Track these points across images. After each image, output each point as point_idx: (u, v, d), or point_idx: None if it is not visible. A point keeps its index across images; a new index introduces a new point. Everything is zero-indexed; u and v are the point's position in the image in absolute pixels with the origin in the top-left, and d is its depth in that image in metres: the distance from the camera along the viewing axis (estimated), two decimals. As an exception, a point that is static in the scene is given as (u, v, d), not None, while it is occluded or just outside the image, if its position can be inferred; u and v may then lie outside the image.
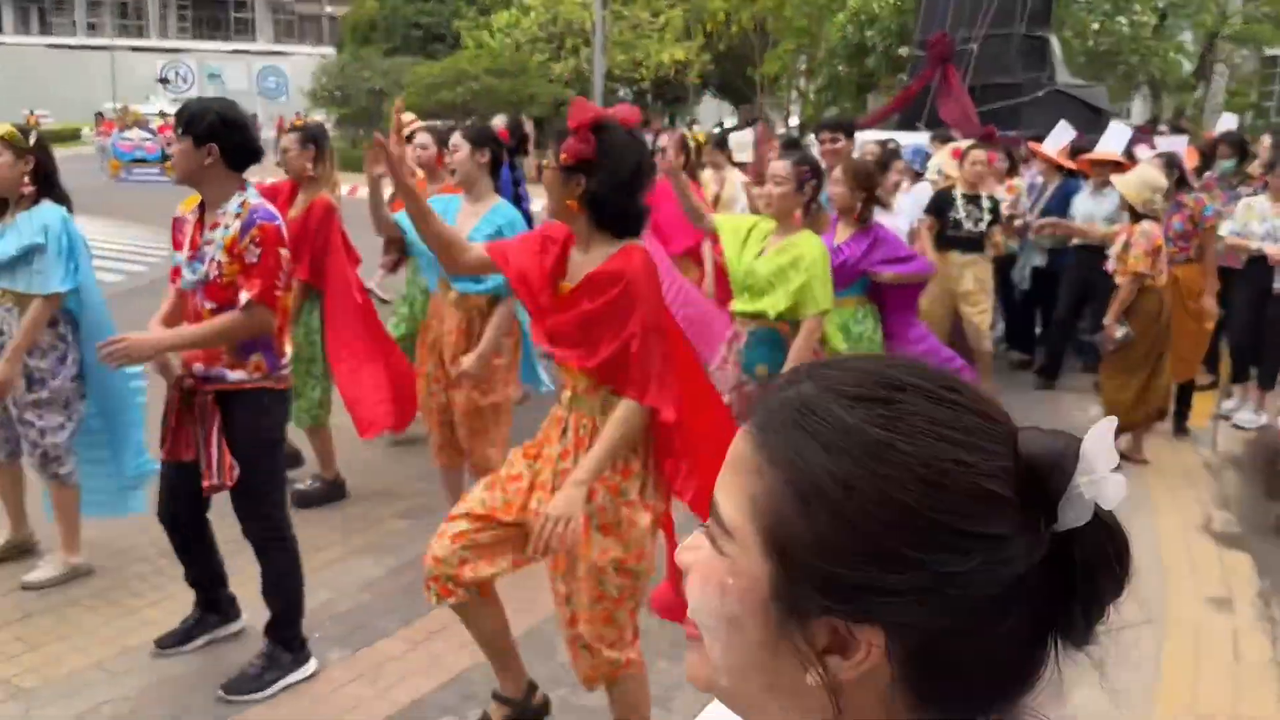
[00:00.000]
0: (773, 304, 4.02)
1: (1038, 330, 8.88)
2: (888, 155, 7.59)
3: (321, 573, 4.49)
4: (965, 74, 12.23)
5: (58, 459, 4.16)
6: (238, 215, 3.39)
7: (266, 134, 37.85)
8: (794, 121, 34.76)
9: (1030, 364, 8.67)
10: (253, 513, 3.58)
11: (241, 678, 3.58)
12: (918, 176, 8.53)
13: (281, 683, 3.61)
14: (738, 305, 4.18)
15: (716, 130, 28.35)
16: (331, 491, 5.37)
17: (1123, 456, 6.22)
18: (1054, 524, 0.70)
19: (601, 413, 2.84)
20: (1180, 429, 6.84)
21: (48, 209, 4.05)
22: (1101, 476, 0.71)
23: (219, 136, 3.38)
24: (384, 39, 35.28)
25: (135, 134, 26.87)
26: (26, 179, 4.04)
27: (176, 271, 3.53)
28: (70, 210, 4.13)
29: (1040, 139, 10.24)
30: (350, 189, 11.88)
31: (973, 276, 7.28)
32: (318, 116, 39.66)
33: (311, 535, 4.86)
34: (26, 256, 3.97)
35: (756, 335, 4.06)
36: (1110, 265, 6.24)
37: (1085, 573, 0.72)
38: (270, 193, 5.01)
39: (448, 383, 4.64)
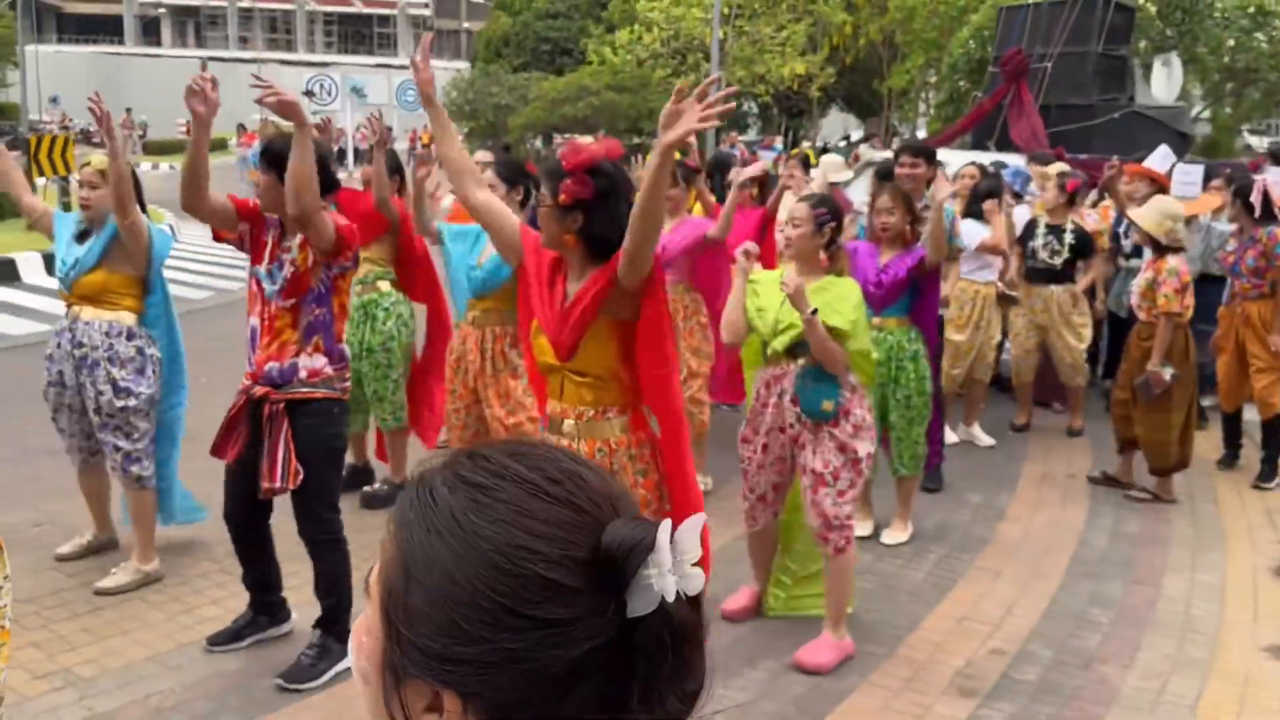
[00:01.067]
0: (835, 323, 3.97)
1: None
2: (992, 183, 7.44)
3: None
4: (1038, 93, 11.86)
5: (139, 461, 4.44)
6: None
7: (400, 146, 38.96)
8: (921, 135, 34.32)
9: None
10: (311, 515, 3.82)
11: (297, 668, 3.81)
12: (1017, 198, 8.38)
13: (333, 670, 3.84)
14: (777, 345, 4.10)
15: (842, 144, 28.08)
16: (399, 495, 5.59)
17: (1155, 497, 6.15)
18: (625, 610, 0.76)
19: (612, 435, 2.97)
20: (1267, 475, 6.50)
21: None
22: (668, 570, 0.75)
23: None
24: (515, 54, 36.11)
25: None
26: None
27: (244, 206, 3.83)
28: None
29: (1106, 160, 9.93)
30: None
31: (1057, 309, 7.11)
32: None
33: (374, 541, 5.10)
34: (110, 251, 4.32)
35: (809, 373, 4.03)
36: (1134, 301, 6.09)
37: (644, 656, 0.76)
38: (351, 197, 5.31)
39: (471, 400, 4.89)
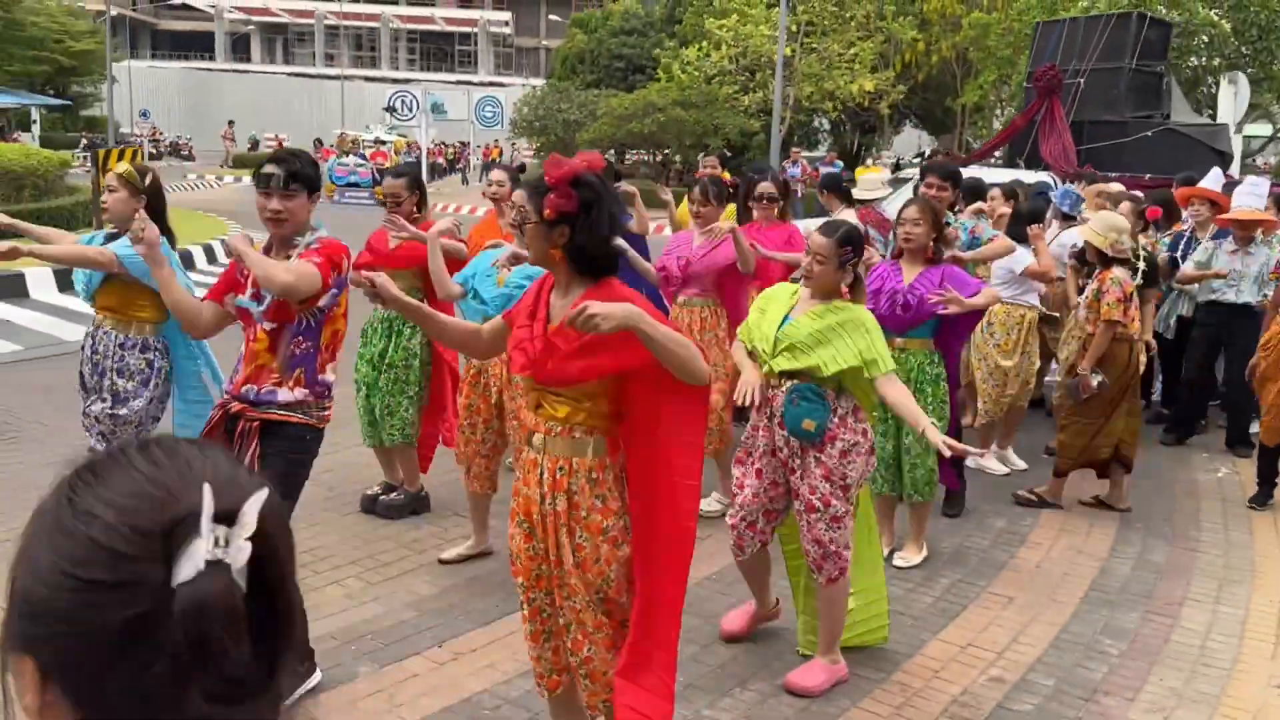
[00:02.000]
0: (831, 359, 3.89)
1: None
2: (1037, 204, 7.29)
3: (378, 588, 4.74)
4: (1070, 109, 11.54)
5: None
6: (309, 245, 3.63)
7: (476, 160, 39.46)
8: (998, 152, 33.84)
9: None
10: None
11: None
12: (1067, 220, 8.19)
13: (296, 694, 3.72)
14: (779, 365, 4.01)
15: (918, 159, 27.74)
16: (416, 505, 5.65)
17: (1103, 504, 6.13)
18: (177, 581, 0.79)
19: (575, 454, 2.93)
20: (1263, 499, 6.30)
21: None
22: (214, 542, 0.79)
23: (318, 185, 3.73)
24: (589, 71, 36.39)
25: (351, 160, 28.62)
26: (138, 215, 4.45)
27: (218, 295, 3.75)
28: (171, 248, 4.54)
29: (1141, 180, 9.66)
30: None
31: None
32: (521, 144, 41.27)
33: (382, 551, 5.16)
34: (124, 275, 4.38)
35: (798, 391, 3.94)
36: (1080, 314, 6.04)
37: (185, 624, 0.78)
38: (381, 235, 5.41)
39: (490, 415, 4.87)
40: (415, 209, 5.41)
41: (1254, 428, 7.44)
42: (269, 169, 3.59)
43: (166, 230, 4.56)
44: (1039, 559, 5.45)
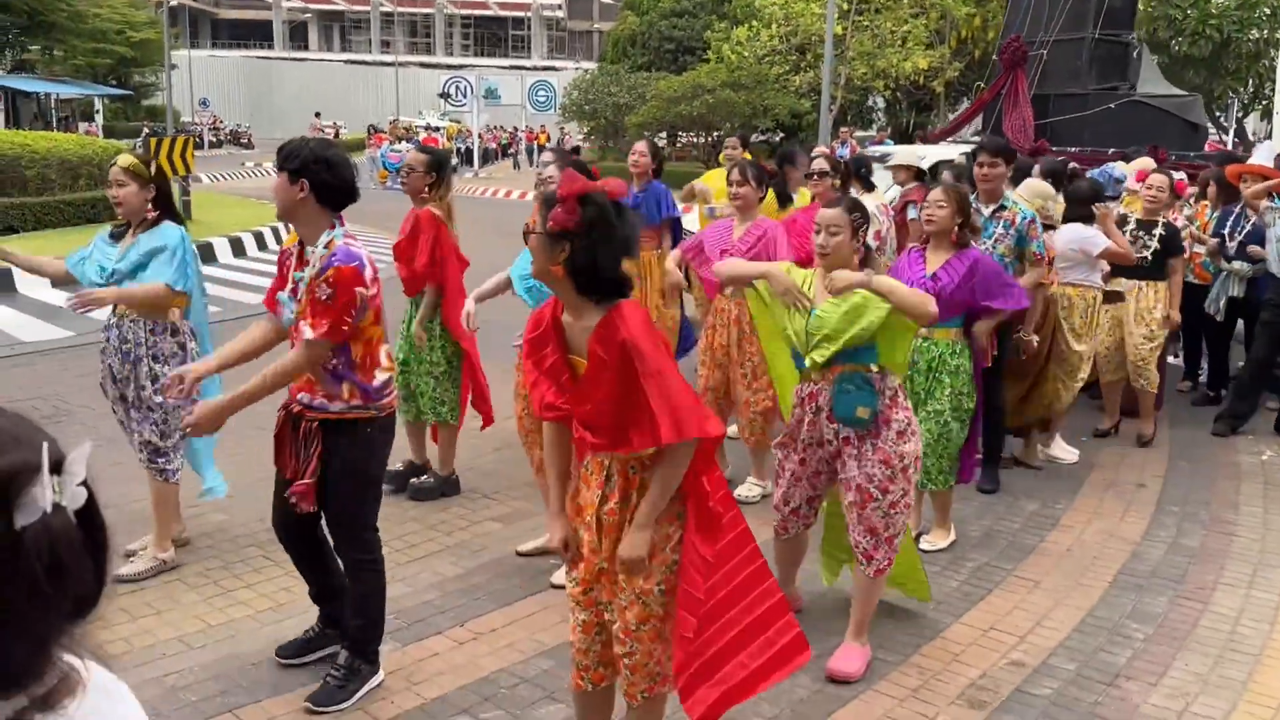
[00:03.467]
0: (874, 317, 3.81)
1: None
2: (1092, 184, 7.15)
3: (404, 568, 4.81)
4: (1033, 82, 11.04)
5: (165, 455, 4.63)
6: (322, 255, 3.52)
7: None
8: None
9: (1218, 399, 8.00)
10: (345, 537, 3.75)
11: (325, 690, 3.71)
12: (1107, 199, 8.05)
13: (361, 692, 3.75)
14: (818, 357, 3.94)
15: (976, 138, 27.32)
16: (446, 488, 5.73)
17: (1016, 462, 6.30)
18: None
19: (638, 455, 2.92)
20: None
21: (168, 227, 4.55)
22: (50, 489, 0.96)
23: (310, 173, 3.52)
24: (641, 53, 36.33)
25: (404, 146, 28.84)
26: (149, 205, 4.56)
27: (271, 301, 3.76)
28: (186, 230, 4.64)
29: (1103, 155, 9.24)
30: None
31: (1134, 308, 6.82)
32: (571, 128, 41.33)
33: (409, 532, 5.24)
34: (146, 265, 4.47)
35: (849, 379, 3.89)
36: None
37: (33, 560, 0.95)
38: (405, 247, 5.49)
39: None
40: (427, 189, 5.45)
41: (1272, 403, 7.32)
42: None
43: (180, 219, 4.67)
44: (1070, 542, 5.38)
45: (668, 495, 2.88)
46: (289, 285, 3.64)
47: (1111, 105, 10.80)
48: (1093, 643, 4.34)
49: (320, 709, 3.66)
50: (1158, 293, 6.88)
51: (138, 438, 4.63)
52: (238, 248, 15.28)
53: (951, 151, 9.75)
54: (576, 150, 10.54)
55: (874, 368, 3.92)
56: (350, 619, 3.81)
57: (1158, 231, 6.85)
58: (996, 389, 5.87)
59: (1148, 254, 6.81)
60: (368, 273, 3.54)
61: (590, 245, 2.80)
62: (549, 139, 38.85)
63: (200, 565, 4.79)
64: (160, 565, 4.70)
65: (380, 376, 3.67)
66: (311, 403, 3.61)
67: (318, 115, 45.48)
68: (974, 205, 5.74)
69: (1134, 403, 7.21)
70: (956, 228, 4.86)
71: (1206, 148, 13.07)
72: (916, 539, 5.25)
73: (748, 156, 7.08)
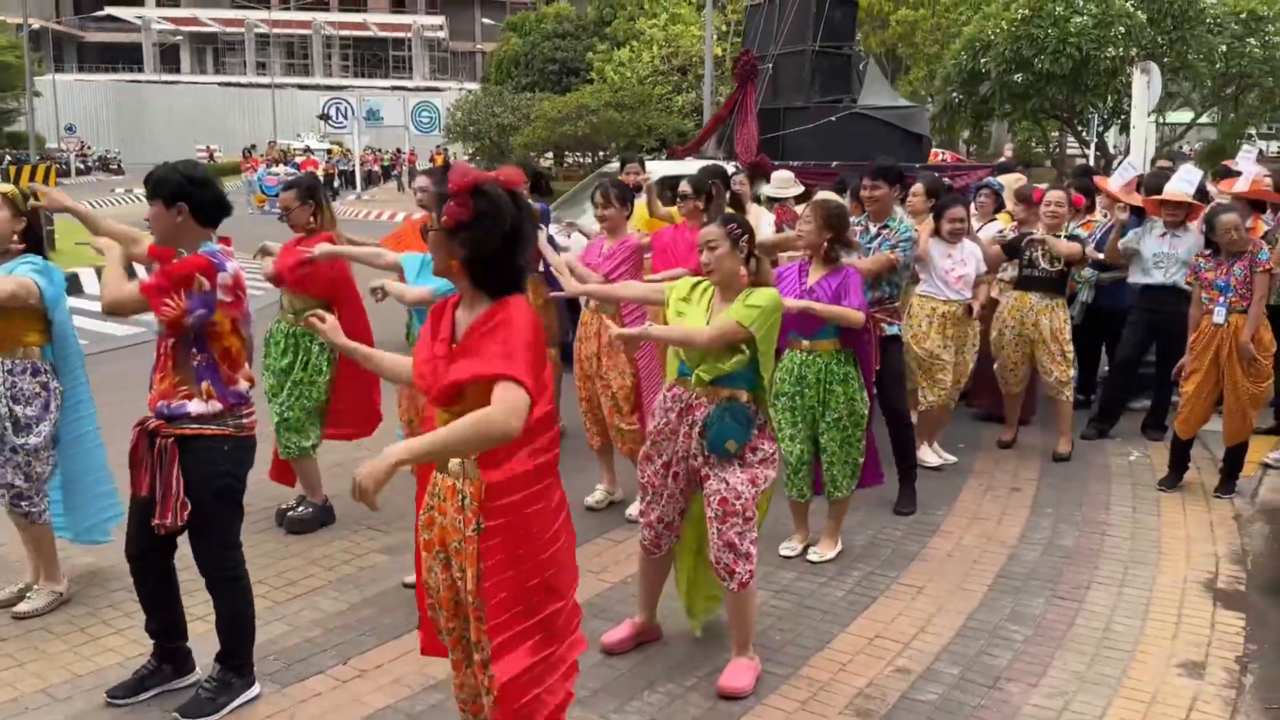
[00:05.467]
0: (729, 315, 3.88)
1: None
2: (946, 201, 7.32)
3: (284, 606, 4.67)
4: (760, 95, 11.10)
5: (29, 499, 4.41)
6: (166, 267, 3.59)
7: (424, 166, 39.18)
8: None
9: (1088, 404, 8.30)
10: (207, 553, 3.74)
11: (196, 702, 3.73)
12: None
13: (232, 705, 3.76)
14: (703, 374, 3.98)
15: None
16: (324, 516, 5.60)
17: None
18: None
19: (474, 474, 2.84)
20: (1227, 488, 6.38)
21: (30, 258, 4.37)
22: None
23: (187, 196, 3.63)
24: (524, 74, 36.25)
25: (281, 169, 28.28)
26: (17, 236, 4.37)
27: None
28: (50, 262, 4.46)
29: (826, 169, 9.37)
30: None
31: (1049, 325, 6.93)
32: (455, 149, 41.01)
33: (290, 568, 5.10)
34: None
35: (729, 410, 3.95)
36: None
37: None
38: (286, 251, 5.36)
39: (422, 419, 4.79)
40: (311, 219, 5.34)
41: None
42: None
43: (42, 251, 4.50)
44: (950, 548, 5.50)
45: (460, 442, 2.64)
46: None
47: (833, 118, 10.79)
48: (974, 646, 4.44)
49: None
50: (1063, 309, 7.01)
51: (1, 482, 4.40)
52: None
53: (694, 167, 9.69)
54: (446, 166, 10.40)
55: (749, 398, 3.99)
56: (221, 636, 3.82)
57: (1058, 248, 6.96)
58: (898, 397, 5.99)
59: (1058, 266, 6.91)
60: (223, 275, 3.61)
61: (483, 237, 2.76)
62: (445, 159, 38.42)
63: (67, 612, 4.56)
64: (58, 599, 4.57)
65: (241, 386, 3.73)
66: (170, 410, 3.61)
67: (69, 129, 44.86)
68: (860, 223, 5.91)
69: (1029, 414, 7.53)
70: (826, 243, 4.97)
71: (930, 158, 13.30)
72: (804, 551, 5.35)
73: (647, 178, 7.10)
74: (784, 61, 11.41)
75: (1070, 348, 6.98)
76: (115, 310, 3.67)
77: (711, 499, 3.98)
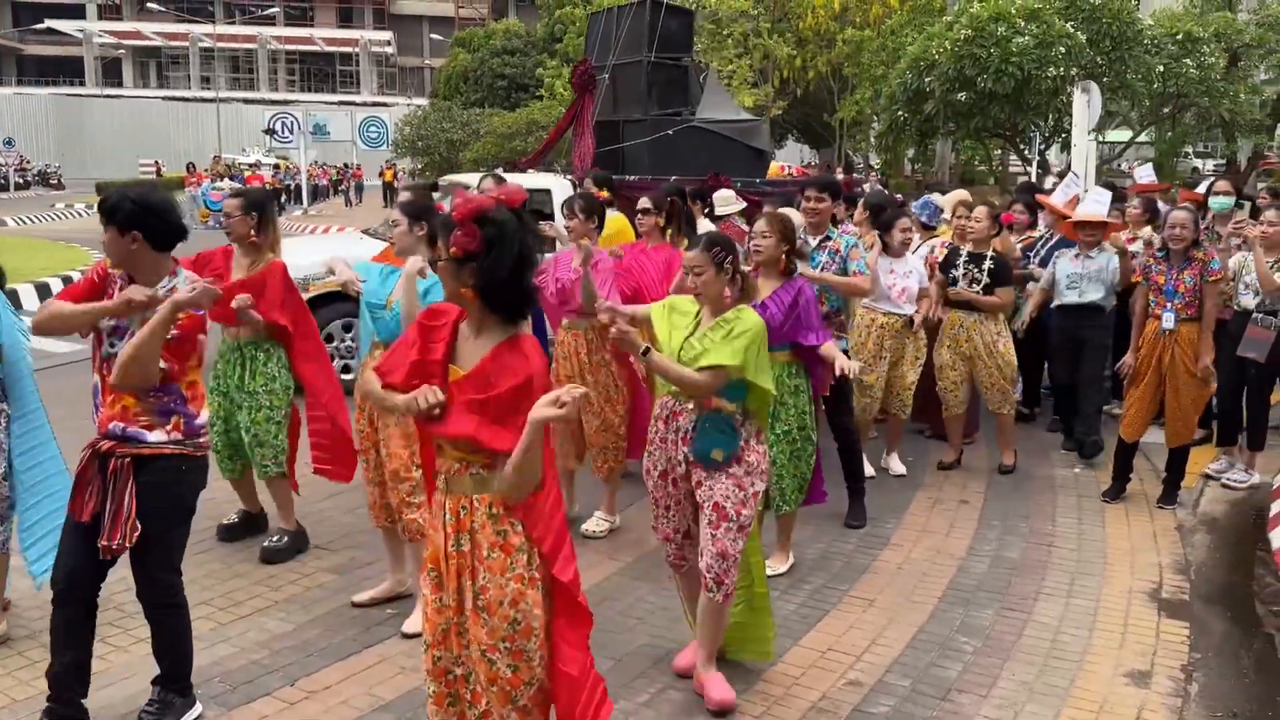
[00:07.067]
0: (716, 355, 3.87)
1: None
2: (894, 213, 7.36)
3: (229, 628, 4.57)
4: (598, 106, 10.89)
5: None
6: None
7: (371, 181, 38.87)
8: (874, 162, 34.64)
9: (1032, 417, 8.41)
10: (149, 577, 3.66)
11: None
12: (926, 230, 8.35)
13: None
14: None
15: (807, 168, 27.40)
16: (299, 543, 5.46)
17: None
18: None
19: (477, 490, 2.83)
20: (1169, 498, 6.50)
21: None
22: None
23: (140, 223, 3.58)
24: (473, 90, 36.16)
25: (227, 184, 27.90)
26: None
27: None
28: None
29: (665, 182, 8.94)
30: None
31: (981, 340, 6.96)
32: (404, 165, 40.78)
33: (234, 589, 5.00)
34: None
35: (711, 420, 3.96)
36: None
37: None
38: (203, 260, 5.20)
39: (376, 439, 4.71)
40: (253, 232, 5.24)
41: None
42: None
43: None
44: (900, 560, 5.54)
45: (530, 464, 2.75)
46: (119, 328, 3.64)
47: (670, 131, 10.48)
48: (925, 658, 4.46)
49: None
50: (997, 323, 7.04)
51: None
52: (44, 293, 14.42)
53: (544, 180, 9.60)
54: (434, 187, 10.21)
55: (737, 409, 3.97)
56: (160, 661, 3.76)
57: (987, 265, 7.04)
58: (845, 412, 6.02)
59: (978, 287, 6.99)
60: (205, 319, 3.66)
61: (494, 264, 2.77)
62: (395, 175, 38.08)
63: (12, 643, 4.43)
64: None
65: (203, 416, 3.73)
66: (125, 433, 3.55)
67: (8, 143, 44.24)
68: (801, 237, 5.91)
69: (973, 430, 7.60)
70: (784, 255, 4.95)
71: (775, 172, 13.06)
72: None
73: (604, 194, 7.09)
74: (621, 72, 11.08)
75: (1008, 360, 6.99)
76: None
77: (705, 505, 3.98)
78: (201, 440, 3.71)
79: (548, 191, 9.23)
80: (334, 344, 8.59)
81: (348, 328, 8.67)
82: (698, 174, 9.04)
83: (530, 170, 10.81)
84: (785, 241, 4.91)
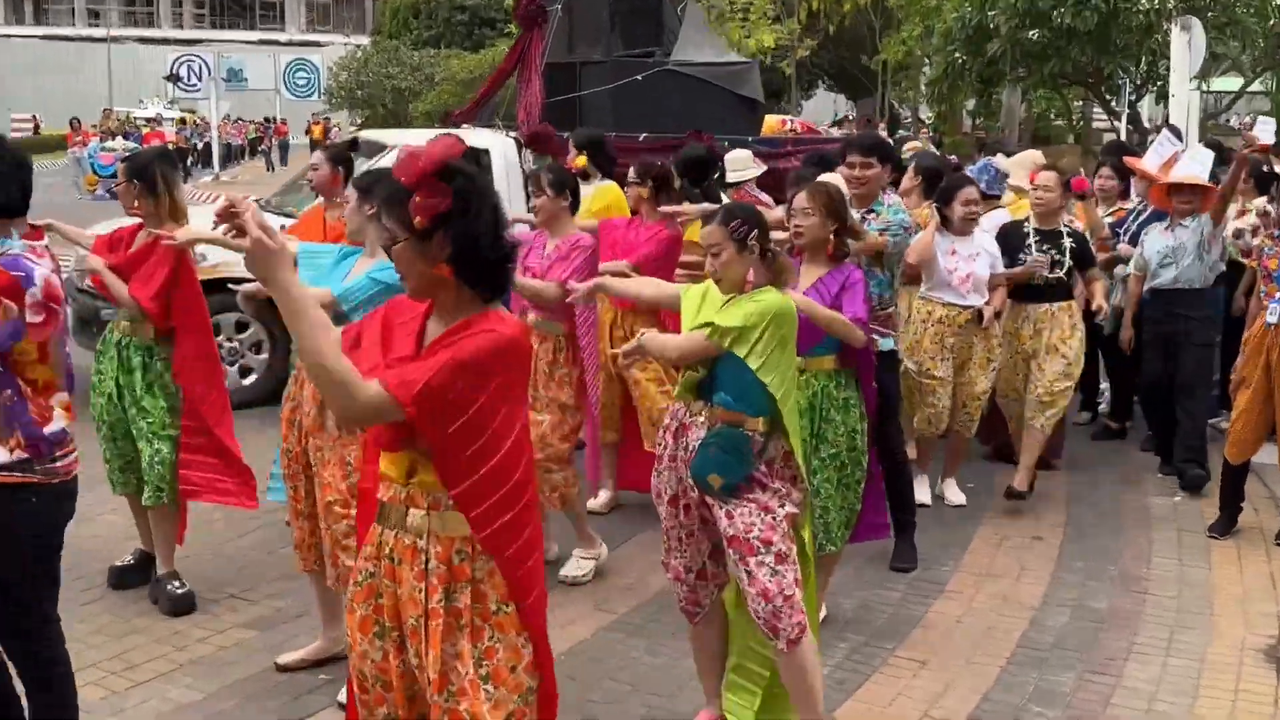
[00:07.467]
0: (712, 318, 3.94)
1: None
2: (956, 180, 7.36)
3: (123, 696, 4.58)
4: (547, 46, 10.56)
5: None
6: None
7: (298, 140, 38.93)
8: (925, 115, 34.60)
9: (1123, 433, 8.43)
10: (16, 634, 3.62)
11: None
12: (987, 200, 8.36)
13: None
14: (689, 376, 4.09)
15: (833, 127, 27.75)
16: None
17: None
18: None
19: (460, 530, 2.79)
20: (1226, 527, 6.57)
21: None
22: None
23: None
24: (425, 26, 36.27)
25: (119, 144, 27.89)
26: None
27: None
28: None
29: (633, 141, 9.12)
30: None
31: (1049, 332, 6.96)
32: (339, 119, 40.88)
33: (130, 648, 5.02)
34: None
35: (718, 439, 3.96)
36: None
37: None
38: (115, 240, 5.28)
39: (306, 464, 4.71)
40: (139, 202, 5.23)
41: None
42: None
43: None
44: (959, 612, 5.55)
45: None
46: None
47: (639, 77, 10.29)
48: (991, 734, 4.48)
49: None
50: (1072, 316, 7.03)
51: None
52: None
53: (481, 138, 9.26)
54: (353, 144, 10.04)
55: (760, 426, 3.96)
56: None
57: (1067, 244, 7.03)
58: (893, 428, 6.01)
59: (1061, 271, 6.96)
60: (32, 291, 3.48)
61: (473, 222, 2.71)
62: (327, 133, 37.96)
63: None
64: None
65: (56, 424, 3.62)
66: None
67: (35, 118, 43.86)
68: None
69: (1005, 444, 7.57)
70: (832, 236, 4.88)
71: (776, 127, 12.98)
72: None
73: (581, 162, 7.11)
74: (578, 4, 10.91)
75: (1072, 362, 6.96)
76: None
77: (728, 540, 3.97)
78: (60, 463, 3.61)
79: (486, 152, 8.95)
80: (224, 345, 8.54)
81: (241, 326, 8.75)
82: (673, 129, 9.04)
83: (464, 125, 10.59)
84: (833, 219, 4.84)
